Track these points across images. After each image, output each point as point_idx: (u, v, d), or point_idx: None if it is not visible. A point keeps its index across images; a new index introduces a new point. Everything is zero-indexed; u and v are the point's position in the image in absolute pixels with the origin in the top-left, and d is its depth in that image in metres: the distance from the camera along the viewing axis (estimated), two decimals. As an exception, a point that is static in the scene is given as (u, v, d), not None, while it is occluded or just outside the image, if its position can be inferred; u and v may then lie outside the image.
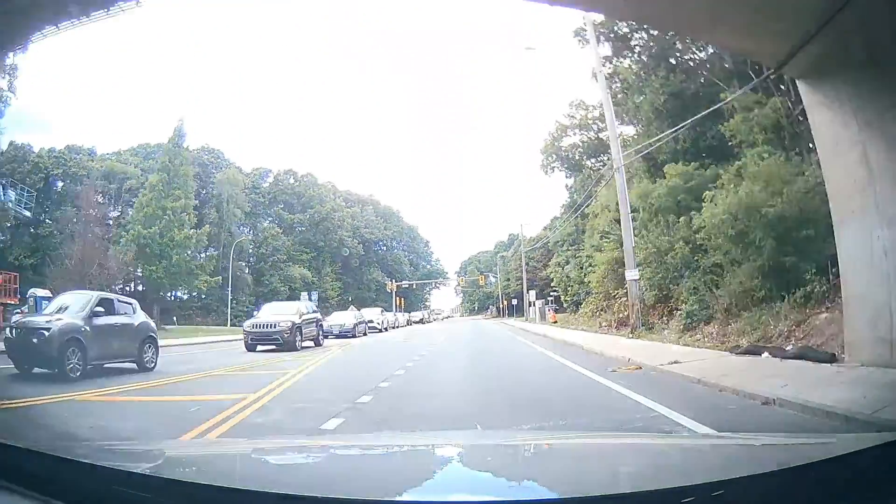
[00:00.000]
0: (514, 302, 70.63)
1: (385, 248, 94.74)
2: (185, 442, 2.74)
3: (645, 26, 18.57)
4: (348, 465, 2.04)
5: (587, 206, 29.89)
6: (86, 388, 9.42)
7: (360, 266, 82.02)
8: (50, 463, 1.42)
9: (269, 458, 2.13)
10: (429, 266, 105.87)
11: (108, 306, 12.08)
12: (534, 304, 51.97)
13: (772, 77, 12.30)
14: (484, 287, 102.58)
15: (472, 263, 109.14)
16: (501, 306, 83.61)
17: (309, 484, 1.63)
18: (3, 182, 38.55)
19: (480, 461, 2.10)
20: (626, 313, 20.03)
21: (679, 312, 16.55)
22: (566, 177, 40.69)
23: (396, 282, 74.26)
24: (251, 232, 68.81)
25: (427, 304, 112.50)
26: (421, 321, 61.71)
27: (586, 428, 5.19)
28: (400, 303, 72.36)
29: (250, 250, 68.01)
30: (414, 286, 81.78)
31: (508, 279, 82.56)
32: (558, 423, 5.67)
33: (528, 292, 54.47)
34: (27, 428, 6.17)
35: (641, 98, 21.14)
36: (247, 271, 64.75)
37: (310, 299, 34.97)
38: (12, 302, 25.88)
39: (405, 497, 1.44)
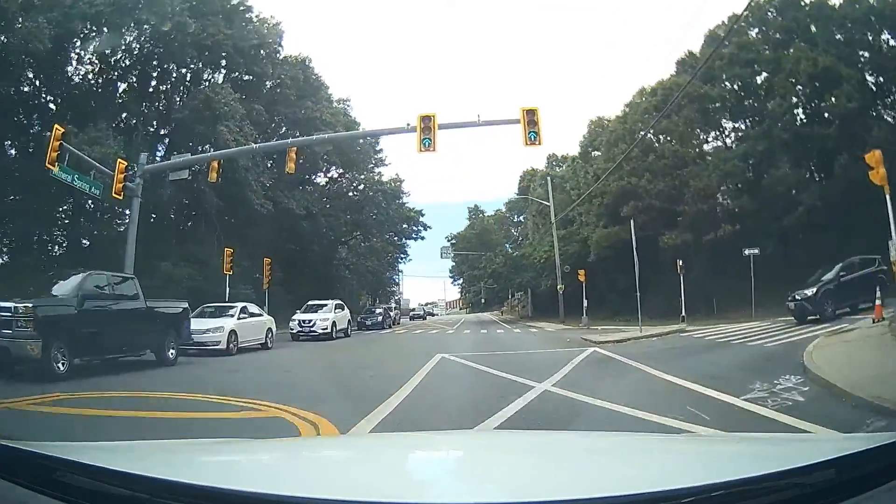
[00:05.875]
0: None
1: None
2: (182, 441, 2.87)
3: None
4: (348, 466, 2.04)
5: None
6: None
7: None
8: (49, 463, 1.45)
9: (267, 457, 2.13)
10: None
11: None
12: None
13: None
14: (509, 247, 51.99)
15: (476, 234, 58.84)
16: (562, 291, 33.98)
17: (307, 484, 1.62)
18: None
19: (480, 461, 2.09)
20: None
21: None
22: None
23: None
24: None
25: (396, 291, 65.52)
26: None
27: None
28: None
29: None
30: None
31: (576, 228, 37.07)
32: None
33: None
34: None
35: None
36: None
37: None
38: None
39: (406, 499, 1.42)
